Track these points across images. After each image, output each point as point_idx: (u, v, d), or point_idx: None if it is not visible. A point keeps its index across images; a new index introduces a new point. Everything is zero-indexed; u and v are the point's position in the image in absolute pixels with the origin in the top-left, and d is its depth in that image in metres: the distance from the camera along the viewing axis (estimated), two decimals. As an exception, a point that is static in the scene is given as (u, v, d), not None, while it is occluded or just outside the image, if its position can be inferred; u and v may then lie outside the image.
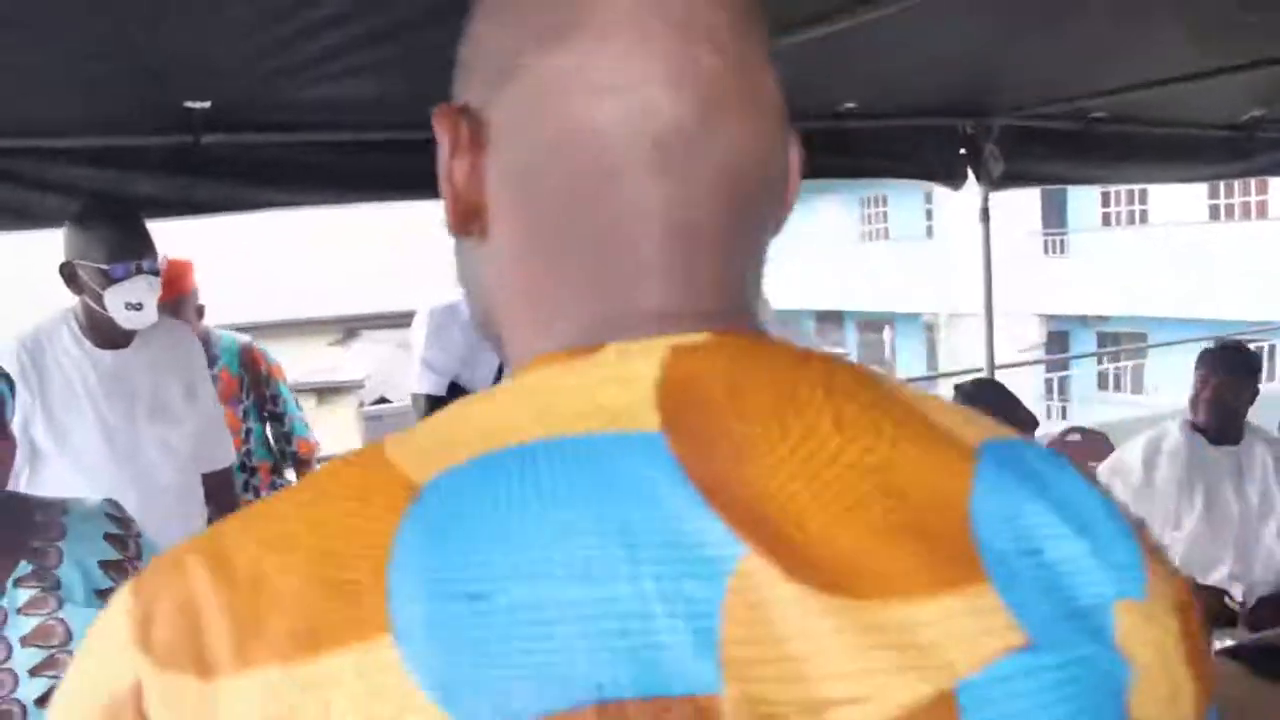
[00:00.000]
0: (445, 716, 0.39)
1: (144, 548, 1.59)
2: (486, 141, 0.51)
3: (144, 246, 2.40)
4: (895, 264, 21.46)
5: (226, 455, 2.74)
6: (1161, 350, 13.09)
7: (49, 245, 2.45)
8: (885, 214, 23.34)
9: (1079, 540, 0.46)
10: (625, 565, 0.41)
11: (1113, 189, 18.20)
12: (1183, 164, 4.39)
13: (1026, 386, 16.68)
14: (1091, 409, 15.40)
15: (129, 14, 1.89)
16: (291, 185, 2.77)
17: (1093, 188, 16.22)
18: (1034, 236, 19.98)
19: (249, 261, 15.66)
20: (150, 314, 2.41)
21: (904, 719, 0.41)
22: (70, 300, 2.47)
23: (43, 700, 1.45)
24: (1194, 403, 3.05)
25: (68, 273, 2.41)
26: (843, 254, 22.45)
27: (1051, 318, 20.09)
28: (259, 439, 3.40)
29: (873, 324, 23.50)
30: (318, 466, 3.26)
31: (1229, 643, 2.40)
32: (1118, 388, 15.92)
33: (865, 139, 3.58)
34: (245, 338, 3.33)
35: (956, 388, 2.57)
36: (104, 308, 2.37)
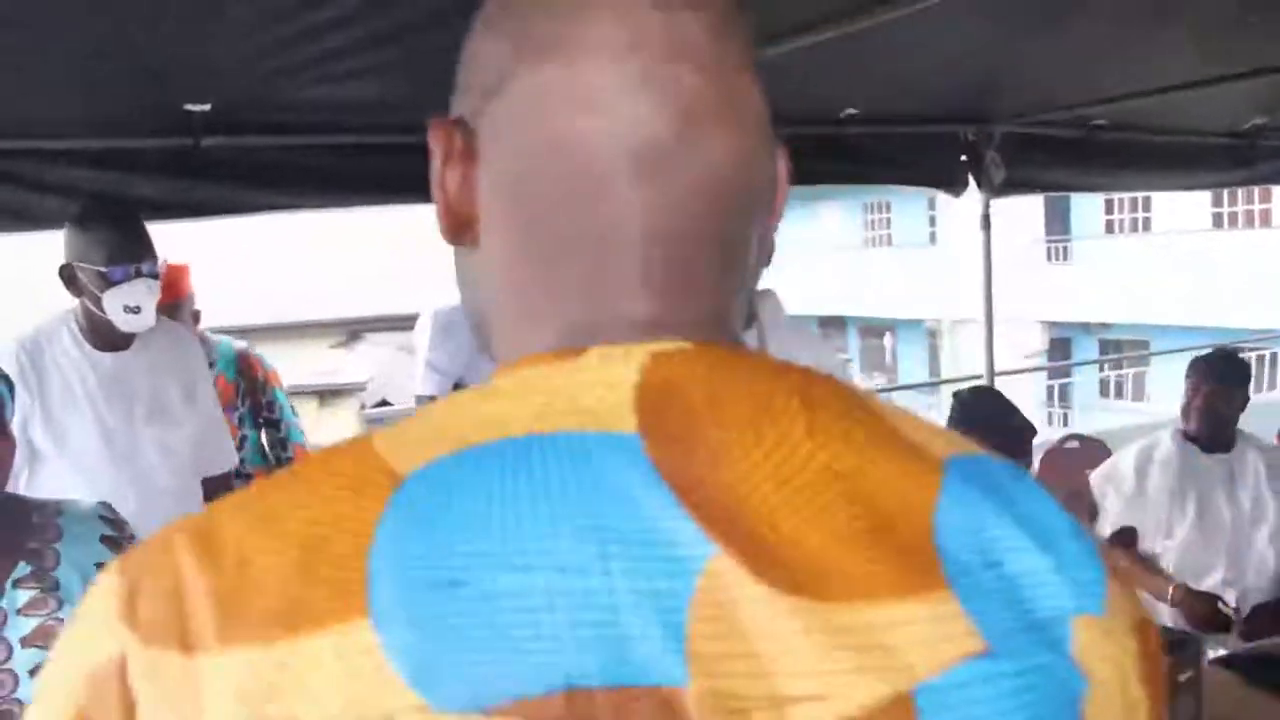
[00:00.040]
0: (419, 698, 0.40)
1: None
2: (478, 153, 0.52)
3: (143, 249, 2.40)
4: (898, 270, 21.45)
5: (227, 459, 2.74)
6: (1164, 358, 13.09)
7: (50, 247, 2.46)
8: (889, 220, 23.34)
9: (1041, 555, 0.47)
10: (598, 560, 0.42)
11: (1116, 197, 18.19)
12: (1184, 172, 4.39)
13: (1028, 393, 16.67)
14: (1094, 416, 15.40)
15: (129, 16, 1.89)
16: (291, 188, 2.77)
17: (1095, 195, 16.22)
18: (1037, 243, 19.98)
19: (251, 264, 15.66)
20: (149, 317, 2.41)
21: (863, 718, 0.42)
22: (71, 302, 2.48)
23: None
24: (1185, 411, 3.07)
25: (67, 275, 2.41)
26: (846, 260, 22.45)
27: (1054, 325, 20.08)
28: (254, 446, 3.40)
29: (875, 330, 23.51)
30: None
31: (1222, 652, 2.40)
32: (1119, 395, 15.91)
33: (866, 145, 3.58)
34: (242, 343, 3.31)
35: (954, 395, 2.58)
36: (102, 310, 2.37)
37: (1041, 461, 3.79)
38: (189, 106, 2.48)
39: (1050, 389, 16.59)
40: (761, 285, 1.93)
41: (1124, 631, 0.48)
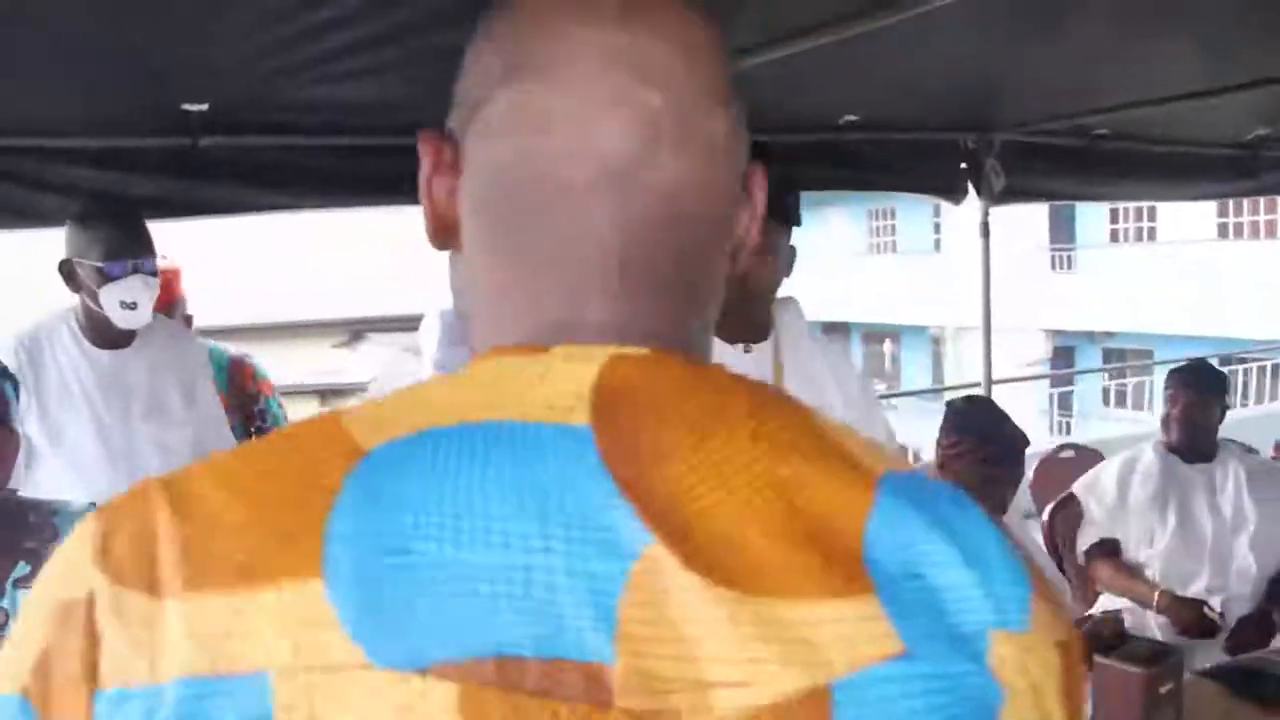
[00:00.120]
0: (360, 653, 0.44)
1: None
2: (462, 165, 0.56)
3: (142, 247, 2.41)
4: (902, 277, 21.44)
5: None
6: (1167, 368, 13.02)
7: (51, 245, 2.47)
8: (893, 227, 23.32)
9: (967, 571, 0.49)
10: (539, 540, 0.46)
11: (1121, 206, 18.17)
12: (1186, 182, 4.38)
13: (1031, 401, 16.64)
14: (1097, 425, 15.36)
15: (128, 15, 1.89)
16: (289, 188, 2.78)
17: (1100, 204, 16.19)
18: (1042, 252, 19.95)
19: (256, 264, 15.69)
20: (145, 314, 2.42)
21: (781, 706, 0.45)
22: (73, 300, 2.49)
23: None
24: (1165, 423, 3.13)
25: (66, 271, 2.43)
26: (849, 266, 22.43)
27: (1058, 333, 20.05)
28: None
29: (878, 336, 23.49)
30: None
31: (1208, 665, 2.41)
32: (1121, 404, 15.87)
33: (866, 152, 3.58)
34: (235, 351, 3.29)
35: (948, 404, 2.58)
36: (100, 306, 2.38)
37: (1036, 470, 3.78)
38: (187, 106, 2.48)
39: (1053, 397, 16.55)
40: (781, 293, 1.94)
41: (1046, 648, 0.50)
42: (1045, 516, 3.34)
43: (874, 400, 2.06)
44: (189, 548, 0.47)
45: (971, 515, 0.52)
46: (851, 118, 3.37)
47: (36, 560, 1.52)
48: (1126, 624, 2.51)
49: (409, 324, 3.77)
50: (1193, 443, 3.08)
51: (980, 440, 2.41)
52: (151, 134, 2.59)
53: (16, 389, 1.58)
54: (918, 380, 21.30)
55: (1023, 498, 3.36)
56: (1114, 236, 19.89)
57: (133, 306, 2.39)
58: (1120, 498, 3.08)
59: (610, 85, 0.53)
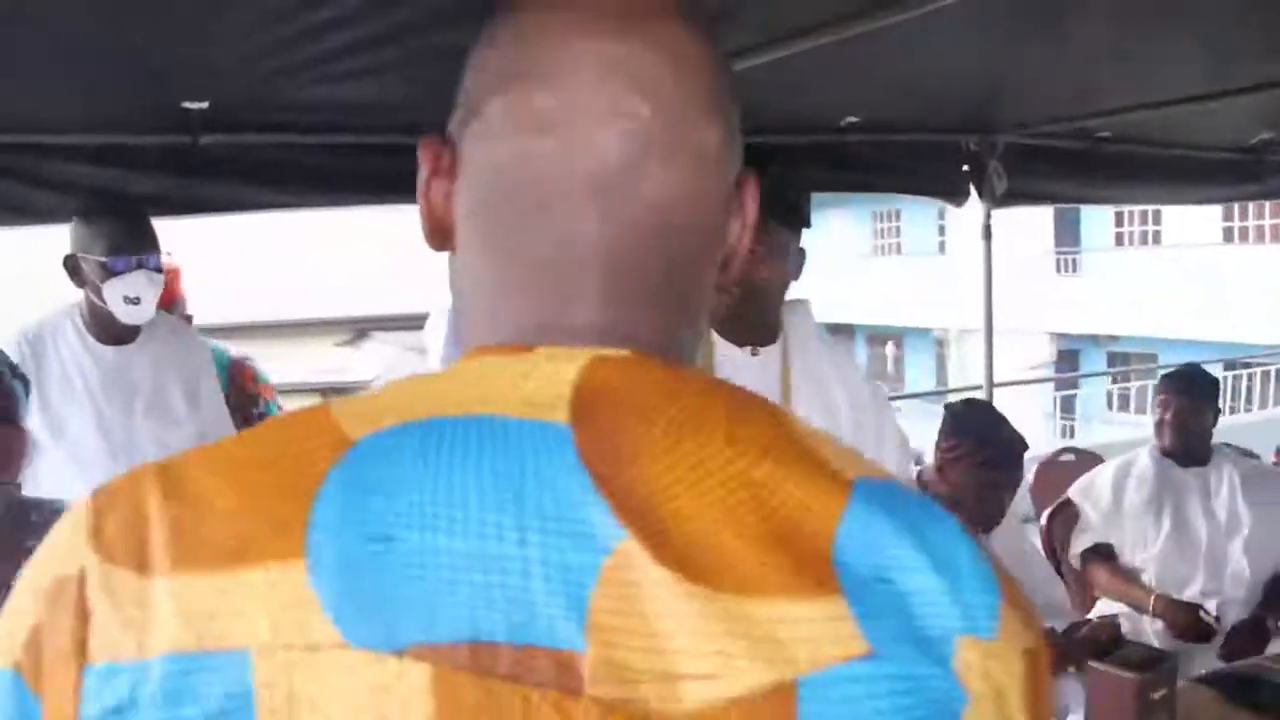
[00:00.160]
0: (338, 633, 0.46)
1: None
2: (459, 169, 0.58)
3: (146, 243, 2.43)
4: (907, 279, 21.41)
5: None
6: (1171, 372, 12.96)
7: (52, 243, 2.48)
8: (898, 229, 23.29)
9: (935, 576, 0.50)
10: (514, 531, 0.47)
11: (1126, 209, 18.14)
12: (1190, 186, 4.37)
13: (1035, 404, 16.61)
14: (1101, 428, 15.35)
15: (129, 15, 1.90)
16: (289, 186, 2.78)
17: (1105, 207, 16.17)
18: (1047, 255, 19.93)
19: (260, 262, 15.71)
20: (148, 309, 2.44)
21: (746, 699, 0.46)
22: (71, 294, 2.49)
23: None
24: (1158, 428, 3.14)
25: (71, 265, 2.45)
26: (854, 268, 22.40)
27: (1062, 336, 20.02)
28: None
29: (881, 339, 23.47)
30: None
31: (1203, 671, 2.40)
32: (1125, 408, 15.84)
33: (867, 154, 3.57)
34: (236, 352, 3.29)
35: (946, 407, 2.58)
36: (103, 300, 2.40)
37: (1036, 474, 3.77)
38: (187, 105, 2.49)
39: (1057, 400, 16.54)
40: (791, 296, 1.92)
41: (1012, 656, 0.51)
42: (1044, 520, 3.33)
43: (884, 403, 2.04)
44: (179, 530, 0.49)
45: (943, 523, 0.53)
46: (853, 119, 3.37)
47: None
48: (1123, 629, 2.50)
49: (412, 323, 3.77)
50: (1186, 447, 3.09)
51: (979, 444, 2.41)
52: (152, 132, 2.60)
53: (27, 387, 1.59)
54: (921, 383, 21.28)
55: (1023, 501, 3.36)
56: (1119, 240, 19.86)
57: (136, 301, 2.40)
58: (1115, 502, 3.08)
59: (604, 96, 0.54)
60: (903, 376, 22.92)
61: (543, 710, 0.46)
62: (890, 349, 23.32)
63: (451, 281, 0.62)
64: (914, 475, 2.10)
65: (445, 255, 0.62)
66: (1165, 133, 3.89)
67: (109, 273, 2.38)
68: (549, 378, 0.52)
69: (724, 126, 0.58)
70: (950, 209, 4.06)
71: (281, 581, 0.47)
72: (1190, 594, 2.92)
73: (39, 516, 1.58)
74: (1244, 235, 17.78)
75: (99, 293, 2.40)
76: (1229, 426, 7.18)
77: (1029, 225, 17.88)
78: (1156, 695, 1.77)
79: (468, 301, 0.59)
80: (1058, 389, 15.99)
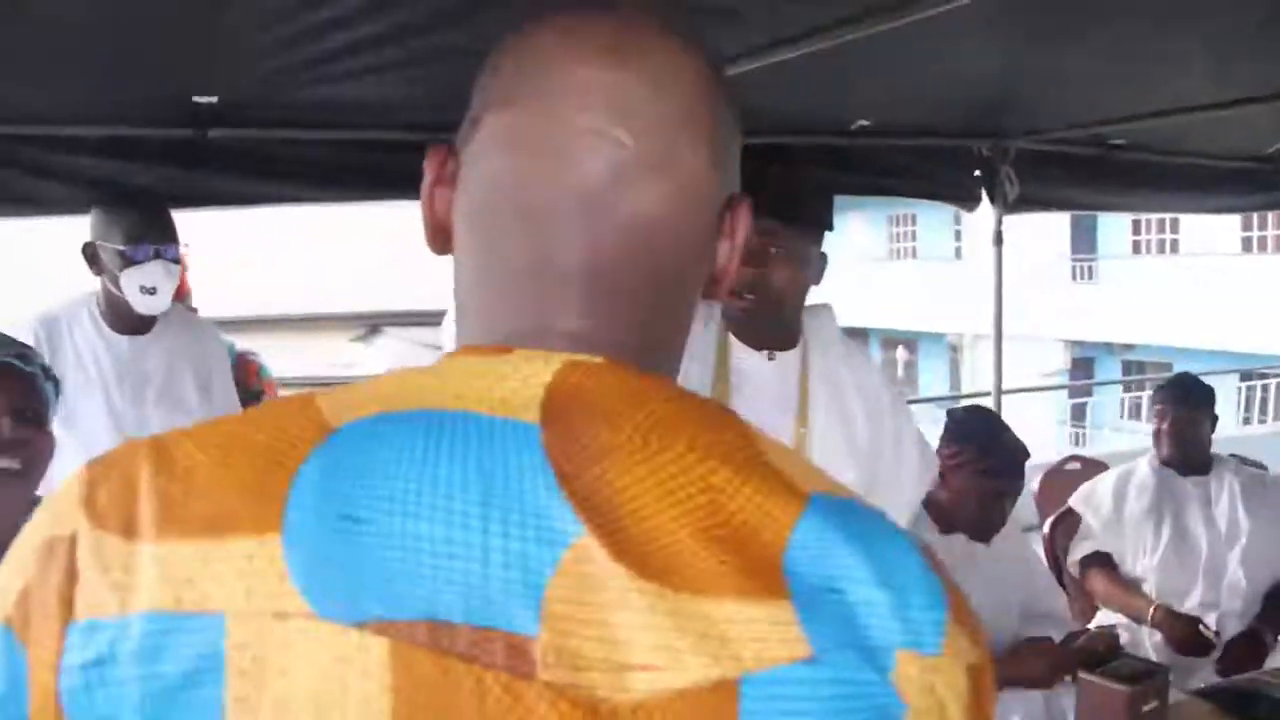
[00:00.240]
0: (306, 604, 0.49)
1: None
2: (459, 179, 0.62)
3: (165, 234, 2.46)
4: (922, 283, 21.35)
5: None
6: (1186, 381, 12.86)
7: (54, 236, 2.50)
8: (914, 233, 23.22)
9: (881, 591, 0.52)
10: (479, 520, 0.50)
11: (1143, 217, 18.04)
12: (1204, 194, 4.34)
13: (1048, 412, 16.53)
14: (1115, 436, 15.27)
15: (142, 9, 1.91)
16: (296, 181, 2.80)
17: (1122, 215, 16.09)
18: (1063, 262, 19.84)
19: (275, 256, 15.79)
20: (164, 300, 2.46)
21: (691, 692, 0.48)
22: (79, 286, 2.51)
23: None
24: (1156, 437, 3.12)
25: (89, 253, 2.47)
26: (869, 271, 22.35)
27: (1077, 344, 19.93)
28: None
29: (895, 343, 23.40)
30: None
31: (1201, 685, 2.38)
32: (1138, 416, 15.76)
33: (879, 157, 3.56)
34: (242, 347, 3.31)
35: (948, 413, 2.56)
36: (120, 290, 2.41)
37: (1041, 482, 3.75)
38: (197, 99, 2.50)
39: (1072, 408, 16.48)
40: (811, 300, 1.91)
41: (955, 671, 0.52)
42: (1046, 529, 3.31)
43: (903, 407, 2.02)
44: (166, 500, 0.52)
45: (895, 541, 0.55)
46: (864, 122, 3.36)
47: None
48: (1122, 639, 2.48)
49: (425, 319, 3.78)
50: (1185, 456, 3.07)
51: (981, 452, 2.40)
52: (161, 125, 2.62)
53: (58, 388, 1.59)
54: (934, 388, 21.23)
55: (1027, 509, 3.34)
56: (1136, 248, 19.74)
57: (152, 291, 2.42)
58: (1116, 510, 3.07)
59: (588, 120, 0.57)
60: (914, 380, 22.85)
61: (494, 690, 0.48)
62: (901, 353, 23.25)
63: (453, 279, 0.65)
64: (936, 477, 2.08)
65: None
66: (1180, 141, 3.86)
67: (127, 261, 2.40)
68: (524, 379, 0.55)
69: (712, 153, 0.61)
70: (966, 214, 4.04)
71: (258, 553, 0.50)
72: (1190, 605, 2.90)
73: None
74: (1263, 245, 17.64)
75: (116, 281, 2.42)
76: (1244, 437, 7.15)
77: (1045, 232, 17.80)
78: (1148, 708, 1.76)
79: (462, 303, 0.62)
80: (1071, 396, 15.93)
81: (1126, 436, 13.82)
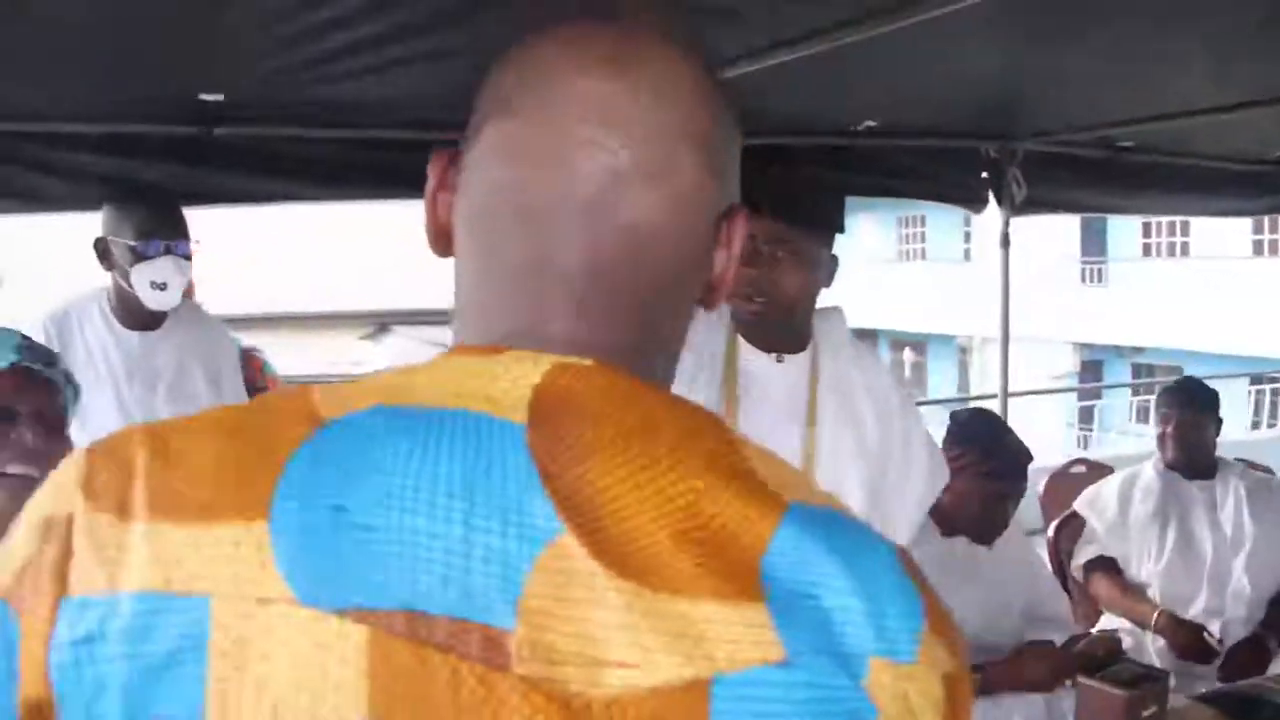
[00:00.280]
0: (289, 590, 0.51)
1: None
2: (460, 184, 0.63)
3: (176, 230, 2.47)
4: (932, 285, 21.31)
5: None
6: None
7: (55, 233, 2.51)
8: (923, 234, 23.19)
9: (857, 599, 0.52)
10: (461, 515, 0.52)
11: (1154, 220, 17.98)
12: (1213, 197, 4.32)
13: (1056, 414, 16.48)
14: (1123, 439, 15.22)
15: (149, 6, 1.91)
16: (302, 179, 2.81)
17: (1132, 218, 16.03)
18: (1072, 264, 19.78)
19: (285, 253, 15.83)
20: (174, 295, 2.47)
21: (664, 690, 0.49)
22: (79, 283, 2.52)
23: None
24: (1160, 441, 3.11)
25: (101, 248, 2.48)
26: (879, 273, 22.31)
27: (1086, 346, 19.87)
28: None
29: (902, 345, 23.36)
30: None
31: (1202, 690, 2.37)
32: (1145, 419, 15.71)
33: (885, 158, 3.55)
34: (247, 343, 3.33)
35: (951, 415, 2.56)
36: (130, 285, 2.42)
37: (1047, 485, 3.74)
38: (203, 96, 2.50)
39: (1080, 411, 16.43)
40: (822, 303, 1.91)
41: (930, 679, 0.53)
42: (1050, 532, 3.30)
43: (912, 409, 2.01)
44: (160, 484, 0.54)
45: (874, 551, 0.55)
46: (870, 123, 3.35)
47: None
48: (1127, 646, 2.47)
49: (435, 317, 3.80)
50: (1189, 460, 3.06)
51: (983, 454, 2.39)
52: (168, 122, 2.62)
53: (77, 394, 1.59)
54: (943, 390, 21.19)
55: (1032, 512, 3.33)
56: (1146, 250, 19.68)
57: (163, 287, 2.43)
58: (1121, 514, 3.05)
59: (587, 130, 0.59)
60: (922, 382, 22.80)
61: (469, 681, 0.50)
62: (908, 354, 23.20)
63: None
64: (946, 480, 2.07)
65: None
66: (1188, 143, 3.84)
67: (138, 257, 2.41)
68: (514, 380, 0.56)
69: (710, 163, 0.62)
70: (976, 216, 4.03)
71: (246, 539, 0.52)
72: (1194, 611, 2.89)
73: None
74: (1274, 248, 17.56)
75: (127, 277, 2.43)
76: (1253, 441, 7.11)
77: (1055, 234, 17.75)
78: (1146, 713, 1.75)
79: (461, 304, 0.64)
80: (1079, 399, 15.88)
81: (1134, 440, 13.76)
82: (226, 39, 2.14)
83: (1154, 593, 2.95)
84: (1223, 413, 3.15)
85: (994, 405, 4.15)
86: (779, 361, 1.86)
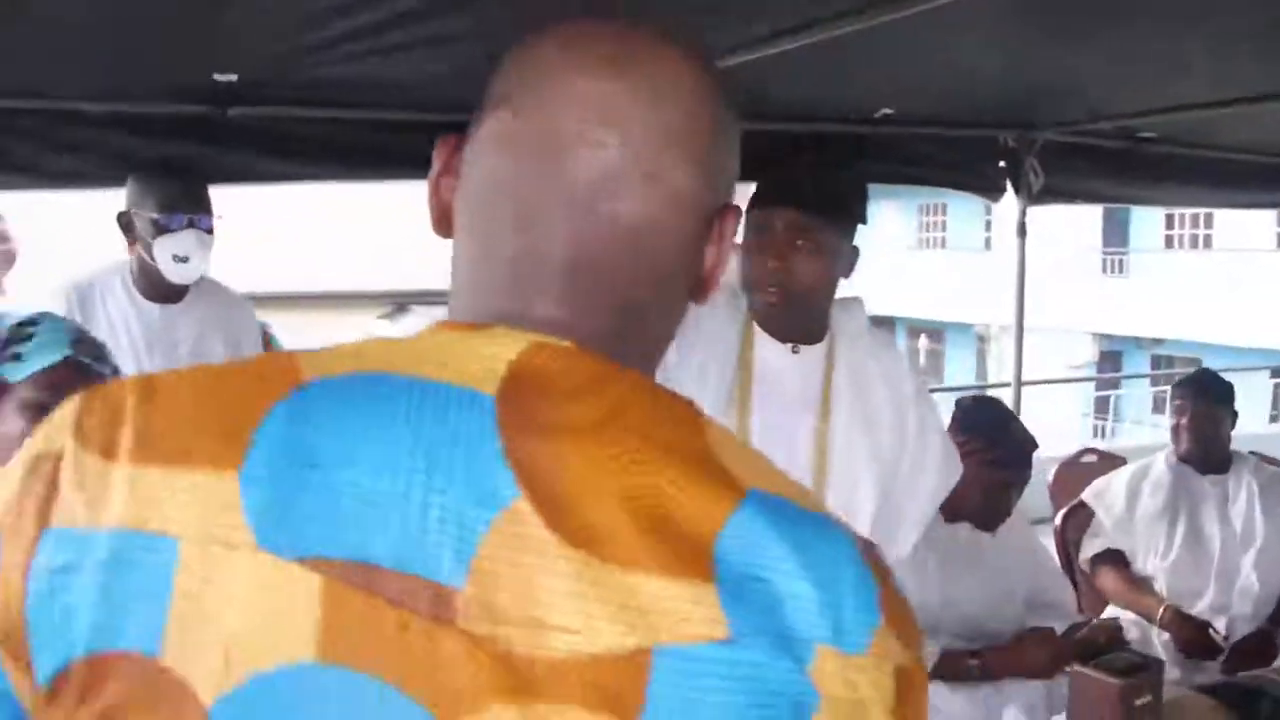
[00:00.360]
0: (253, 537, 0.54)
1: None
2: (462, 170, 0.66)
3: (199, 203, 2.49)
4: (951, 273, 21.20)
5: None
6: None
7: (58, 212, 2.53)
8: (944, 223, 23.06)
9: (810, 587, 0.53)
10: (423, 476, 0.54)
11: (1177, 211, 17.82)
12: (1236, 189, 4.28)
13: (1074, 404, 16.38)
14: (1138, 430, 15.14)
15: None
16: (314, 159, 2.83)
17: (1155, 209, 15.89)
18: (1094, 254, 19.64)
19: (304, 233, 15.88)
20: (196, 269, 2.49)
21: (604, 657, 0.51)
22: (87, 259, 2.54)
23: None
24: (1174, 433, 3.07)
25: (124, 221, 2.50)
26: (898, 260, 22.20)
27: (1106, 337, 19.75)
28: None
29: (919, 332, 23.26)
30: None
31: (1205, 681, 2.37)
32: (1162, 410, 15.65)
33: (902, 146, 3.54)
34: (261, 321, 3.36)
35: (956, 403, 2.55)
36: (153, 258, 2.45)
37: (1056, 474, 3.72)
38: (217, 76, 2.51)
39: (1096, 401, 16.33)
40: (841, 294, 1.90)
41: (881, 671, 0.54)
42: (1058, 522, 3.29)
43: (927, 397, 2.01)
44: (145, 427, 0.57)
45: (833, 542, 0.56)
46: (887, 111, 3.33)
47: None
48: (1133, 638, 2.46)
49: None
50: (1204, 454, 3.01)
51: (988, 442, 2.39)
52: (182, 101, 2.64)
53: (117, 375, 1.61)
54: (961, 378, 21.10)
55: (1039, 498, 3.32)
56: (1169, 242, 19.53)
57: (185, 260, 2.46)
58: (1129, 508, 3.02)
59: (585, 128, 0.61)
60: (939, 370, 22.71)
61: (416, 633, 0.52)
62: (923, 341, 23.10)
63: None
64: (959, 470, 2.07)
65: None
66: (1210, 135, 3.79)
67: (160, 229, 2.43)
68: (492, 355, 0.58)
69: (707, 161, 0.64)
70: (996, 205, 4.01)
71: (217, 485, 0.55)
72: (1200, 607, 2.86)
73: None
74: (1298, 242, 17.40)
75: (149, 250, 2.45)
76: (1273, 435, 7.06)
77: (1076, 225, 17.63)
78: (1140, 702, 1.75)
79: (456, 284, 0.66)
80: (1097, 389, 15.78)
81: (1149, 430, 13.69)
82: (240, 19, 2.15)
83: (1160, 587, 2.93)
84: (1243, 406, 3.11)
85: (1009, 394, 4.15)
86: (794, 353, 1.86)
